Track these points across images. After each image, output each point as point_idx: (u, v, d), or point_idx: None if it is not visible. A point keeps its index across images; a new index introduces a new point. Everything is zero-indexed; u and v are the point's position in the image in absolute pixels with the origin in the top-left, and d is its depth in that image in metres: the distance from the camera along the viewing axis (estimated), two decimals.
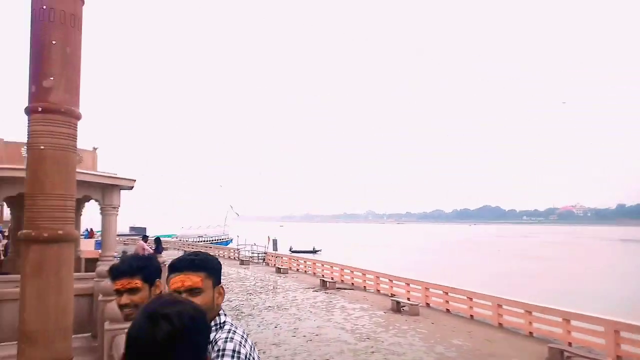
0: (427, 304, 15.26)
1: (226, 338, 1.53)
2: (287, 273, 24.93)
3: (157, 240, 18.08)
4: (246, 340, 1.58)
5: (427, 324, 12.60)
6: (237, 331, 1.60)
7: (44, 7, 3.79)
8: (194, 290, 1.58)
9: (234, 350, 1.49)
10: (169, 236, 53.85)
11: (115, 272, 1.96)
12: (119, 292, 1.95)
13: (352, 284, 20.25)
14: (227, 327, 1.61)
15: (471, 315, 13.50)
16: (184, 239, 51.21)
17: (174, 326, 0.95)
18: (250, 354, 1.54)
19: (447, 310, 14.47)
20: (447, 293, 14.68)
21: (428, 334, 11.50)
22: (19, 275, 9.86)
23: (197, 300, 1.54)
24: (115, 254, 13.36)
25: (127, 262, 1.98)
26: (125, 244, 37.46)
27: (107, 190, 11.57)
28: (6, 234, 15.78)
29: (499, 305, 12.49)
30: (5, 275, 8.63)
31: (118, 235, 14.87)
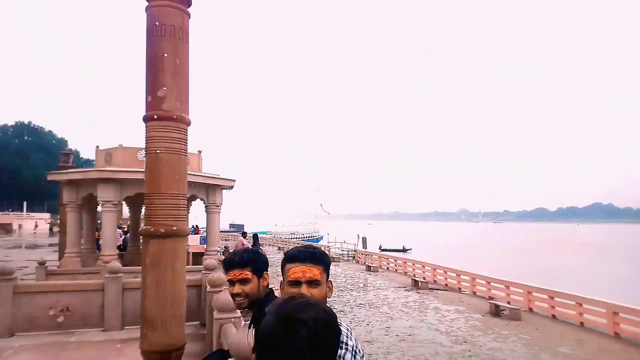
0: (530, 309, 14.25)
1: None
2: (377, 271, 24.80)
3: (255, 237, 19.00)
4: (352, 333, 1.61)
5: (530, 330, 11.79)
6: (343, 324, 1.63)
7: (157, 23, 4.17)
8: (313, 282, 1.63)
9: (341, 341, 1.52)
10: (264, 233, 56.33)
11: (228, 264, 2.11)
12: (231, 282, 2.10)
13: (446, 284, 19.58)
14: None
15: (581, 323, 12.36)
16: (278, 236, 53.25)
17: (311, 331, 0.94)
18: (356, 346, 1.56)
19: (553, 315, 13.39)
20: (552, 297, 13.58)
21: (531, 340, 10.76)
22: (138, 267, 10.96)
23: (316, 292, 1.61)
24: (218, 248, 14.34)
25: (238, 255, 2.12)
26: (225, 239, 39.86)
27: (211, 190, 12.45)
28: (126, 229, 17.60)
29: (615, 313, 11.28)
30: (126, 267, 9.63)
31: (220, 231, 15.97)
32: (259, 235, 22.50)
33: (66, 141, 69.04)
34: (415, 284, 19.05)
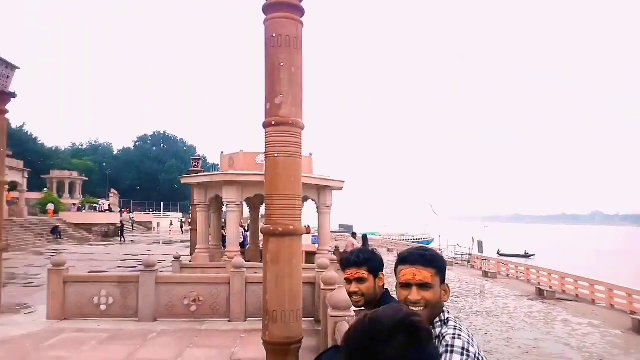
0: None
1: (453, 334, 1.53)
2: (496, 278, 23.31)
3: (364, 238, 19.10)
4: (473, 340, 1.55)
5: None
6: (463, 329, 1.59)
7: (273, 34, 4.44)
8: (424, 285, 1.61)
9: (462, 348, 1.48)
10: (372, 234, 56.32)
11: (345, 263, 2.17)
12: (348, 281, 2.16)
13: (577, 295, 17.69)
14: (451, 323, 1.61)
15: None
16: (387, 237, 52.85)
17: (415, 342, 0.92)
18: (478, 353, 1.51)
19: None
20: None
21: None
22: (257, 263, 11.65)
23: (427, 295, 1.59)
24: (330, 248, 14.73)
25: (355, 254, 2.17)
26: (335, 239, 40.70)
27: (322, 191, 12.85)
28: (246, 229, 18.91)
29: None
30: (247, 262, 10.35)
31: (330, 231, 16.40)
32: (368, 236, 22.56)
33: (195, 148, 76.37)
34: (540, 293, 17.53)
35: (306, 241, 24.11)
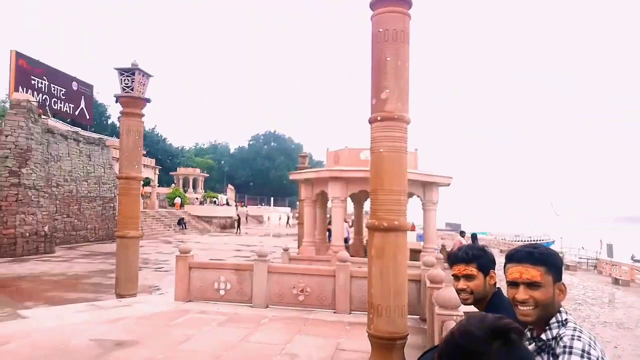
0: None
1: (572, 335, 1.43)
2: (629, 286, 20.66)
3: (474, 237, 18.21)
4: (595, 343, 1.43)
5: None
6: (584, 331, 1.47)
7: (380, 29, 4.45)
8: (533, 284, 1.53)
9: (583, 350, 1.38)
10: (482, 234, 53.36)
11: (453, 259, 2.13)
12: (456, 277, 2.11)
13: None
14: (570, 324, 1.50)
15: None
16: (499, 237, 49.70)
17: (510, 344, 0.91)
18: (603, 357, 1.39)
19: None
20: None
21: None
22: (360, 258, 11.72)
23: (536, 294, 1.51)
24: (436, 246, 14.32)
25: (463, 250, 2.11)
26: (442, 238, 39.35)
27: (427, 187, 12.55)
28: (351, 224, 19.18)
29: None
30: (351, 257, 10.50)
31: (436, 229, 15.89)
32: (477, 235, 21.45)
33: (302, 146, 79.19)
34: None
35: (411, 239, 23.67)
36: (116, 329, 6.75)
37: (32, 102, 18.48)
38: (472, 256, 2.06)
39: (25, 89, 22.95)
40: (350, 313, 7.82)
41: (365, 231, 16.84)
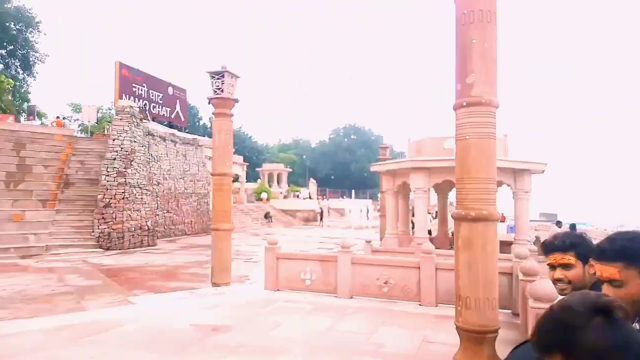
0: None
1: None
2: None
3: (572, 228, 16.88)
4: None
5: None
6: None
7: (465, 11, 4.28)
8: (613, 282, 1.45)
9: None
10: (583, 224, 49.12)
11: (548, 247, 2.02)
12: (551, 267, 2.00)
13: None
14: None
15: None
16: (602, 228, 45.45)
17: (612, 321, 0.88)
18: None
19: None
20: None
21: None
22: (445, 250, 11.37)
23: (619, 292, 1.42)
24: (528, 238, 13.48)
25: (560, 238, 1.99)
26: (535, 229, 36.84)
27: (519, 175, 11.83)
28: (434, 216, 18.74)
29: None
30: (436, 249, 10.25)
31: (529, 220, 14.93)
32: (576, 226, 19.80)
33: (382, 137, 78.50)
34: None
35: (501, 231, 22.50)
36: (213, 315, 7.25)
37: (134, 108, 20.28)
38: (569, 244, 1.95)
39: (127, 95, 25.24)
40: (436, 306, 7.66)
41: (449, 223, 16.33)
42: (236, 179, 39.53)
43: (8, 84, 26.48)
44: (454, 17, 4.36)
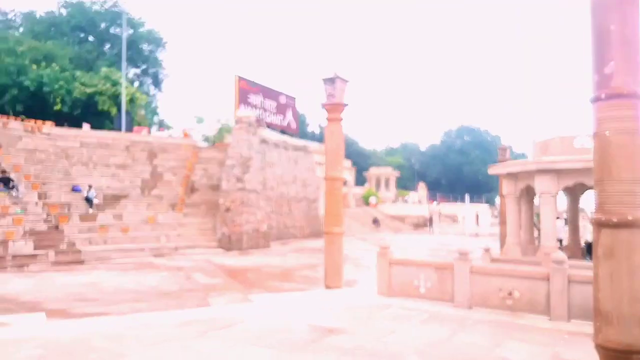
0: None
1: None
2: None
3: None
4: None
5: None
6: None
7: None
8: None
9: None
10: None
11: None
12: None
13: None
14: None
15: None
16: None
17: None
18: None
19: None
20: None
21: None
22: (577, 261, 10.31)
23: None
24: None
25: None
26: None
27: None
28: (565, 222, 17.03)
29: None
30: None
31: None
32: None
33: (499, 138, 73.86)
34: None
35: None
36: (327, 317, 7.41)
37: (251, 117, 21.74)
38: None
39: (245, 106, 27.19)
40: (568, 321, 6.94)
41: (581, 230, 14.68)
42: (344, 183, 40.18)
43: (142, 100, 30.16)
44: (590, 3, 3.94)
